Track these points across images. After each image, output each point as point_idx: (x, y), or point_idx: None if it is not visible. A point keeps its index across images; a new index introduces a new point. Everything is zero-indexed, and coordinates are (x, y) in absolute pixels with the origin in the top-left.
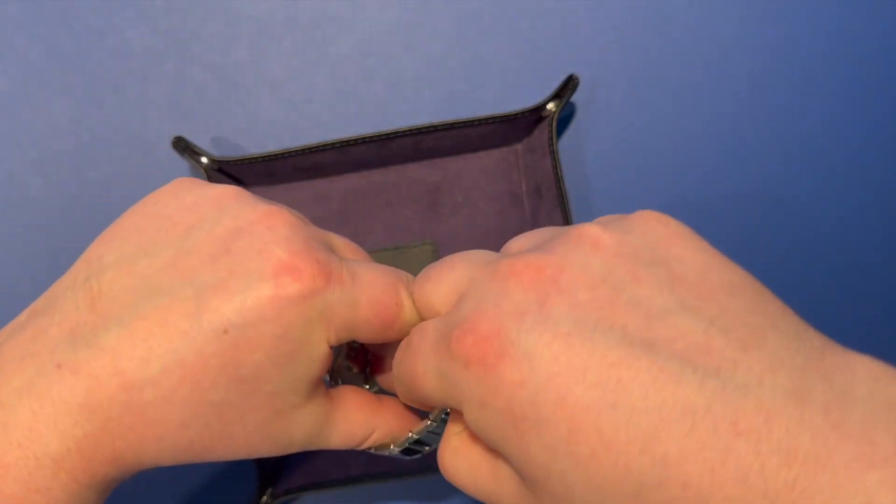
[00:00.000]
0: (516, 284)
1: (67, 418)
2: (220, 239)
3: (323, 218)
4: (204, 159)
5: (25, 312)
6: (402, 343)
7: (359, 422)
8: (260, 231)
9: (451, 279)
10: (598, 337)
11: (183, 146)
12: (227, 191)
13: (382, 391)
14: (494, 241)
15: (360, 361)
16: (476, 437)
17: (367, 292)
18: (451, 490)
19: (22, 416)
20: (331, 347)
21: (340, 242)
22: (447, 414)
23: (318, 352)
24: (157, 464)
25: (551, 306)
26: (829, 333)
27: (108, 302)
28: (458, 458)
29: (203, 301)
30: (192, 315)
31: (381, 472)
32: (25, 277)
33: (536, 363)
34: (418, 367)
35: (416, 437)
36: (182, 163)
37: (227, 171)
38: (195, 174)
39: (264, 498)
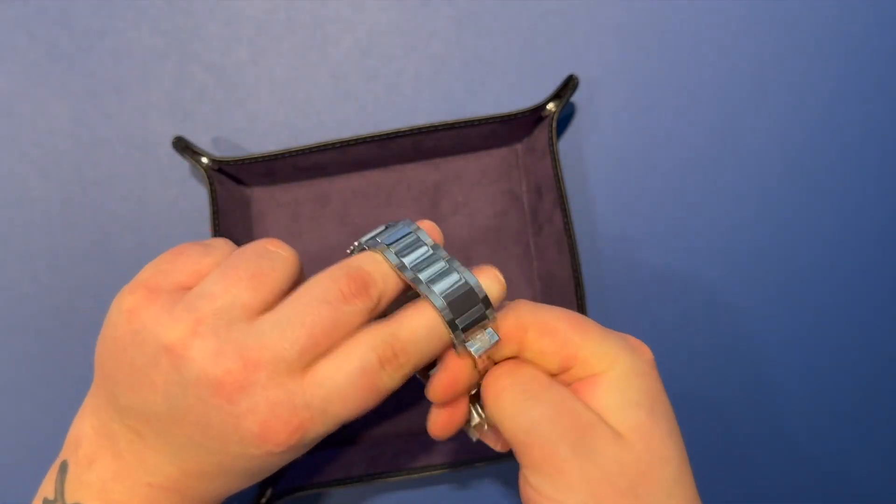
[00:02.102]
0: None
1: None
2: (201, 414)
3: (323, 218)
4: (204, 159)
5: (90, 436)
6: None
7: None
8: (224, 406)
9: None
10: None
11: (183, 146)
12: (177, 334)
13: None
14: (494, 241)
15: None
16: None
17: (346, 403)
18: (450, 489)
19: None
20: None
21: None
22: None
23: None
24: None
25: None
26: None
27: (149, 440)
28: None
29: (217, 461)
30: (216, 466)
31: (381, 471)
32: (25, 277)
33: None
34: None
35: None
36: (182, 163)
37: (227, 171)
38: (195, 174)
39: (264, 499)
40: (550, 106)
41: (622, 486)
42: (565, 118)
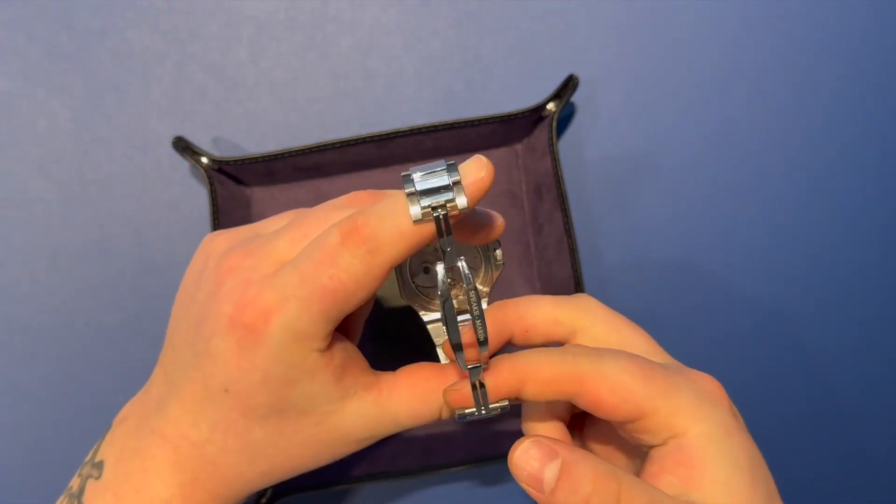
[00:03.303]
0: None
1: (166, 471)
2: (201, 306)
3: None
4: (204, 159)
5: (137, 395)
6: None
7: (420, 398)
8: (216, 291)
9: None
10: None
11: (183, 146)
12: (216, 244)
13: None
14: None
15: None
16: None
17: (304, 282)
18: (449, 489)
19: (136, 470)
20: (327, 346)
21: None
22: None
23: (310, 364)
24: (253, 491)
25: None
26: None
27: (169, 374)
28: None
29: (201, 369)
30: (201, 383)
31: (380, 471)
32: (25, 277)
33: None
34: None
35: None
36: (182, 163)
37: (227, 171)
38: (195, 174)
39: (264, 499)
40: (550, 106)
41: None
42: (565, 118)
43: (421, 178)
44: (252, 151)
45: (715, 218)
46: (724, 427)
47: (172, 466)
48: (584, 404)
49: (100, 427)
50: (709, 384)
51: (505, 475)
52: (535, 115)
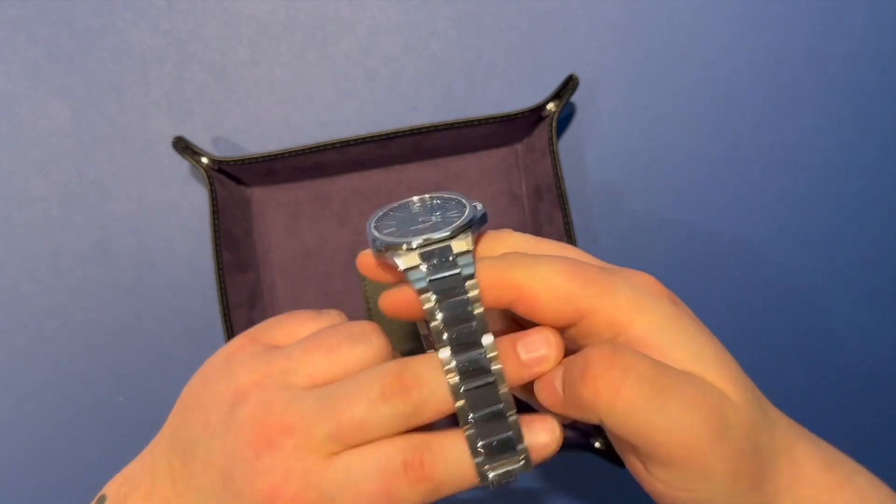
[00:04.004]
0: None
1: None
2: (229, 457)
3: (323, 218)
4: (204, 159)
5: (136, 473)
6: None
7: None
8: (250, 458)
9: None
10: None
11: (183, 146)
12: (242, 383)
13: None
14: None
15: None
16: None
17: (358, 500)
18: None
19: None
20: None
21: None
22: None
23: None
24: None
25: None
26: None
27: (181, 483)
28: None
29: None
30: None
31: None
32: (25, 277)
33: None
34: None
35: None
36: (182, 163)
37: (227, 171)
38: (195, 174)
39: None
40: (550, 106)
41: (750, 449)
42: (565, 118)
43: (484, 430)
44: (252, 151)
45: (714, 217)
46: (668, 314)
47: None
48: (523, 311)
49: (98, 428)
50: (645, 279)
51: None
52: (535, 115)
